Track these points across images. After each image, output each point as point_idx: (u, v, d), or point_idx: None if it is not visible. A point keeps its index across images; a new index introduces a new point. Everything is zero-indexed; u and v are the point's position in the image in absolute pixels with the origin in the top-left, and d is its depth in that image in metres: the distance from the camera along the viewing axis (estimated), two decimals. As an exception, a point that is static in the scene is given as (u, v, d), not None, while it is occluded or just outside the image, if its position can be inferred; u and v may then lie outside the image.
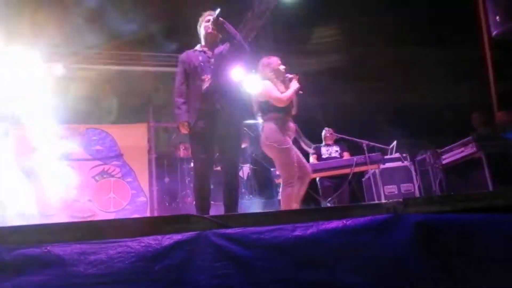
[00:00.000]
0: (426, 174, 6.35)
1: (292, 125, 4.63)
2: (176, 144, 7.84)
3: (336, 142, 7.43)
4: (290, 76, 4.68)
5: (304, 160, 4.69)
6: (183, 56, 4.35)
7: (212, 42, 4.33)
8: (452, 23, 6.74)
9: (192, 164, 6.53)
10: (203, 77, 4.14)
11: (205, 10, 4.40)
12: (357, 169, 6.37)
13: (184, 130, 4.19)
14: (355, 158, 6.40)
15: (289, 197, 4.48)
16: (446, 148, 5.92)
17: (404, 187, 6.57)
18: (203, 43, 4.38)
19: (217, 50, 4.28)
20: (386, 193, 6.50)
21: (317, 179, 6.83)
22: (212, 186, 6.61)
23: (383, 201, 5.53)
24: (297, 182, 4.55)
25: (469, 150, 5.42)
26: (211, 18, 4.25)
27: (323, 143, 7.30)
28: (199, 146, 4.15)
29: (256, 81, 4.87)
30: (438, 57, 6.97)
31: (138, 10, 6.63)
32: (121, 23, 6.69)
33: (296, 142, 4.87)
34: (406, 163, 6.71)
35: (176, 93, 4.26)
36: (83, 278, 2.09)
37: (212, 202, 5.92)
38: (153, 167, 8.46)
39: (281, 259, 2.29)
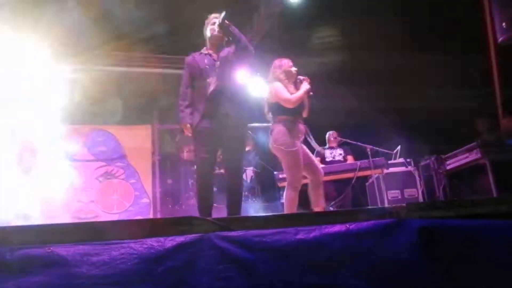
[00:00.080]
0: (430, 179, 6.32)
1: (301, 127, 4.65)
2: (180, 146, 7.85)
3: (340, 145, 7.43)
4: (301, 78, 4.70)
5: (316, 163, 4.73)
6: (189, 59, 4.36)
7: (217, 45, 4.33)
8: (458, 29, 6.73)
9: (195, 166, 6.54)
10: (208, 80, 4.14)
11: (211, 12, 4.40)
12: (361, 174, 6.37)
13: (188, 132, 4.20)
14: (358, 163, 6.40)
15: (292, 201, 4.49)
16: (451, 153, 5.90)
17: (408, 192, 6.55)
18: (208, 46, 4.39)
19: (222, 53, 4.28)
20: (390, 198, 6.49)
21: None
22: (215, 189, 6.63)
23: (387, 205, 5.53)
24: (311, 186, 4.58)
25: (474, 156, 5.40)
26: (216, 21, 4.25)
27: (327, 145, 7.31)
28: (202, 146, 4.15)
29: (264, 83, 4.89)
30: (444, 63, 6.95)
31: (145, 11, 6.64)
32: (127, 24, 6.71)
33: (307, 143, 4.87)
34: (410, 168, 6.69)
35: (181, 96, 4.27)
36: (85, 279, 2.10)
37: (215, 204, 5.91)
38: (157, 169, 8.46)
39: (283, 262, 2.29)
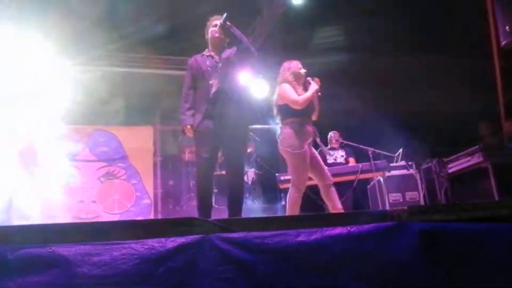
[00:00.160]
0: (432, 182, 6.31)
1: (310, 129, 4.65)
2: (182, 147, 7.86)
3: (342, 146, 7.43)
4: (310, 79, 4.70)
5: (324, 167, 4.69)
6: (191, 61, 4.36)
7: (219, 47, 4.34)
8: (461, 32, 6.72)
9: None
10: (210, 82, 4.15)
11: (215, 13, 4.41)
12: (362, 176, 6.36)
13: (189, 134, 4.20)
14: (360, 165, 6.39)
15: (295, 202, 4.50)
16: (453, 157, 5.89)
17: (409, 195, 6.54)
18: (210, 47, 4.39)
19: (224, 55, 4.29)
20: (391, 201, 6.48)
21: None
22: (216, 190, 6.62)
23: (388, 208, 5.52)
24: (322, 191, 4.59)
25: (476, 159, 5.39)
26: (218, 22, 4.26)
27: (329, 146, 7.30)
28: (203, 146, 4.15)
29: (274, 85, 4.88)
30: (447, 66, 6.94)
31: (148, 11, 6.65)
32: (130, 25, 6.72)
33: (316, 146, 4.86)
34: (411, 171, 6.68)
35: (183, 98, 4.27)
36: (86, 279, 2.10)
37: (216, 206, 5.91)
38: (158, 170, 8.48)
39: (284, 264, 2.28)
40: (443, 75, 7.22)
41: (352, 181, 6.30)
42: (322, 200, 4.78)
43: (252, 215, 6.45)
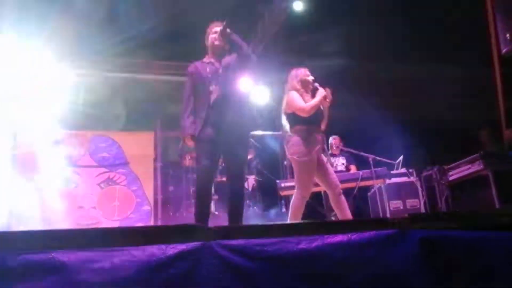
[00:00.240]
0: (432, 190, 6.31)
1: (319, 137, 4.62)
2: (182, 154, 7.85)
3: (342, 152, 7.43)
4: (317, 85, 4.69)
5: (332, 176, 4.63)
6: (191, 68, 4.35)
7: (219, 53, 4.33)
8: (462, 40, 6.74)
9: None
10: (211, 89, 4.13)
11: (216, 18, 4.41)
12: (363, 183, 6.35)
13: (189, 143, 4.19)
14: (361, 173, 6.38)
15: (298, 209, 4.50)
16: (453, 164, 5.90)
17: (410, 202, 6.54)
18: (210, 54, 4.39)
19: (224, 61, 4.28)
20: (392, 208, 6.48)
21: (322, 192, 6.81)
22: (216, 197, 6.61)
23: (388, 216, 5.51)
24: (331, 199, 4.57)
25: (476, 167, 5.39)
26: (218, 29, 4.26)
27: (329, 151, 7.30)
28: (204, 153, 4.13)
29: (283, 93, 4.86)
30: (447, 73, 6.96)
31: (149, 16, 6.67)
32: (132, 30, 6.73)
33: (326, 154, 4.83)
34: (412, 178, 6.68)
35: (183, 105, 4.26)
36: (86, 285, 2.09)
37: (216, 212, 5.90)
38: (159, 176, 8.46)
39: (284, 271, 2.28)
40: (444, 82, 7.23)
41: (352, 188, 6.29)
42: (322, 207, 4.77)
43: (252, 222, 6.44)
